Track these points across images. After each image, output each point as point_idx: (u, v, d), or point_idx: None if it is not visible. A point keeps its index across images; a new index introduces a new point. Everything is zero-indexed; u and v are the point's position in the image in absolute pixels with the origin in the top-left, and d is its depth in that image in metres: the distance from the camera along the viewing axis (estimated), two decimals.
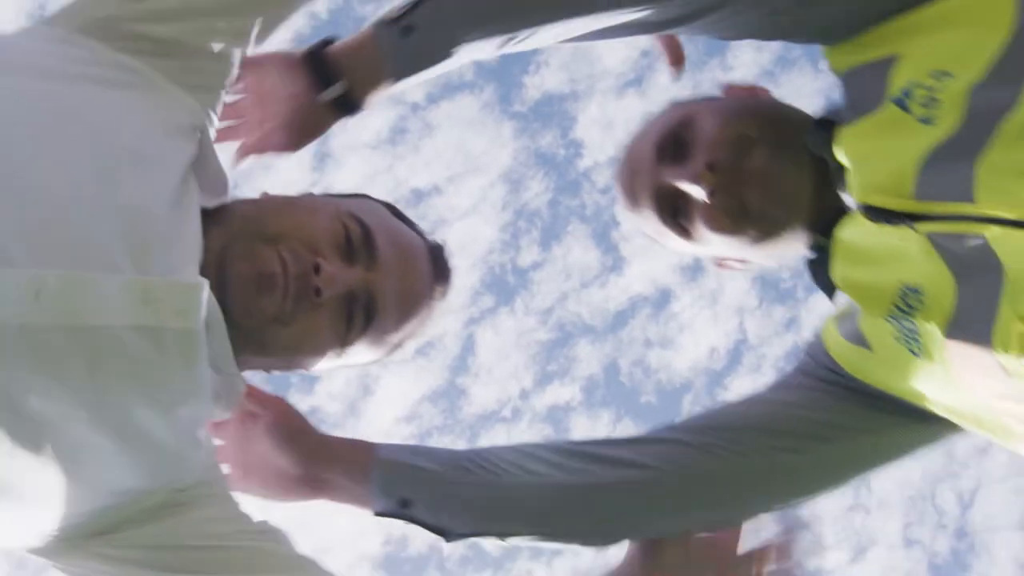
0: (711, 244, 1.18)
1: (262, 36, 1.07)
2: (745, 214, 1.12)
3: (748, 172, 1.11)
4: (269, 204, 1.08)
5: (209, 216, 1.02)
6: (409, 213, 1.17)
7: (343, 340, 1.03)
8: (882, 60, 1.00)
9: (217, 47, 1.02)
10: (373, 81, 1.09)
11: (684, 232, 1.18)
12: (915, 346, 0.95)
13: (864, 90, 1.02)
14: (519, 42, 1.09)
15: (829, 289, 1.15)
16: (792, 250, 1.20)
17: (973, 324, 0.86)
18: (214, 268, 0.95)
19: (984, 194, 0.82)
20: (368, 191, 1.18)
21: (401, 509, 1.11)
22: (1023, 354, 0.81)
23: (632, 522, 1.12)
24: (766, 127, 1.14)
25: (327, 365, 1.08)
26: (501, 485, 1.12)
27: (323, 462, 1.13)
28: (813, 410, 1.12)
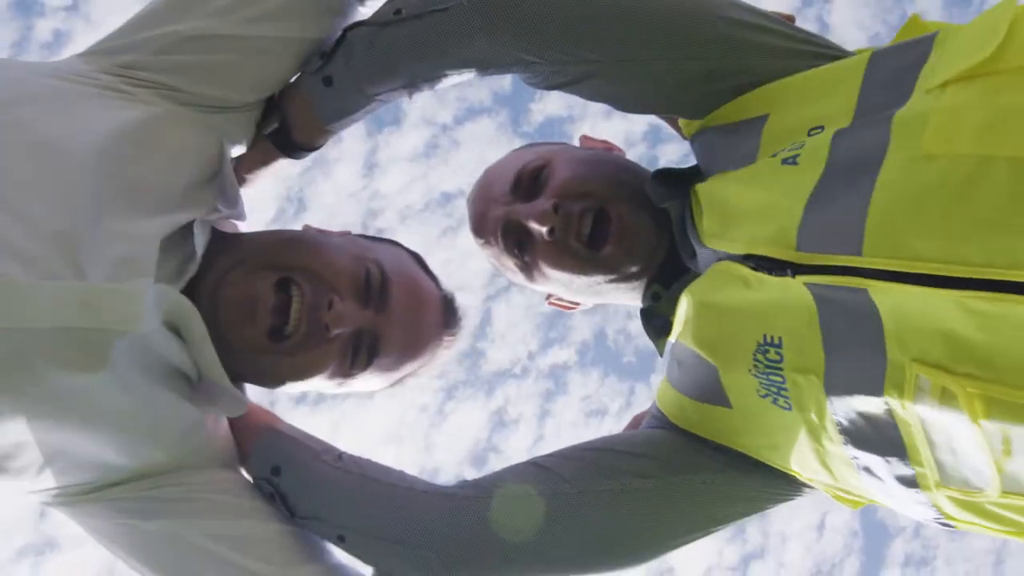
0: (549, 281, 1.20)
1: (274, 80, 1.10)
2: (594, 259, 1.13)
3: (613, 225, 1.12)
4: (294, 237, 1.10)
5: (228, 240, 1.05)
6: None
7: (345, 373, 1.06)
8: (753, 119, 1.02)
9: (234, 93, 1.06)
10: (307, 123, 1.13)
11: (525, 266, 1.20)
12: (782, 400, 0.91)
13: (733, 144, 1.03)
14: (424, 89, 1.12)
15: (660, 337, 1.16)
16: (627, 298, 1.22)
17: (854, 372, 0.83)
18: (211, 290, 0.99)
19: (872, 248, 0.79)
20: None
21: (271, 477, 1.09)
22: (915, 398, 0.77)
23: (480, 536, 1.05)
24: (614, 185, 1.16)
25: (329, 391, 1.12)
26: (364, 476, 1.11)
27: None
28: (661, 441, 1.09)
